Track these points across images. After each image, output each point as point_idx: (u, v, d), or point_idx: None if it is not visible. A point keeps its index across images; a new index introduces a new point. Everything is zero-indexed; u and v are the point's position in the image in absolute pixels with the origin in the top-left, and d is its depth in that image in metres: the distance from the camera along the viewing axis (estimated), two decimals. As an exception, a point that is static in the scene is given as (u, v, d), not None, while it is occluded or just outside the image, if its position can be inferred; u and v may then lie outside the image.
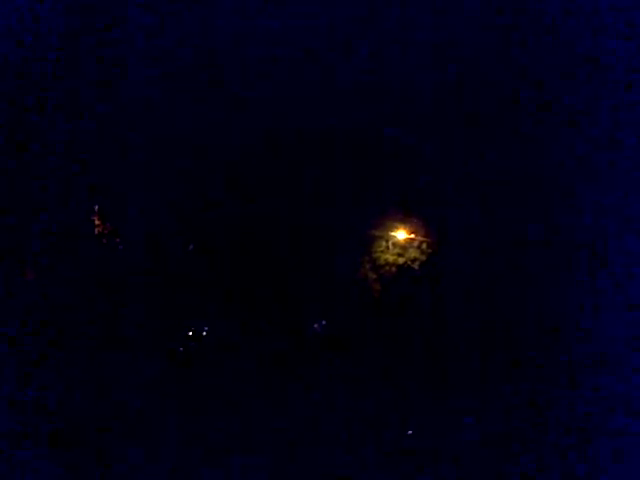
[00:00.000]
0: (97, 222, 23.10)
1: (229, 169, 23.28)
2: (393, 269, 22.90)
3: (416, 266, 22.84)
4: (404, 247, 23.01)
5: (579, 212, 22.46)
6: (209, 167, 23.19)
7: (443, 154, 22.99)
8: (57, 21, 23.22)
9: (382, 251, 23.00)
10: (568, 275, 22.31)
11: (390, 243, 23.04)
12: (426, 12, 23.27)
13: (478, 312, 22.29)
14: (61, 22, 23.21)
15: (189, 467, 20.83)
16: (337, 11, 23.38)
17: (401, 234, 23.04)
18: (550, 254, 22.41)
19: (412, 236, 22.99)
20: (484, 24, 23.18)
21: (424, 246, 22.90)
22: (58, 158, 22.84)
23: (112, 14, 23.39)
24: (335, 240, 22.95)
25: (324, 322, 22.76)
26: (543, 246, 22.45)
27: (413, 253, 22.94)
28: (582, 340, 21.69)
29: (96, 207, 23.13)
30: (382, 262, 22.95)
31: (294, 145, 23.19)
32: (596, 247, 22.28)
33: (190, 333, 22.50)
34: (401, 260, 22.91)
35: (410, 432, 21.84)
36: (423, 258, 22.85)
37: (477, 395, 21.67)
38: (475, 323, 22.24)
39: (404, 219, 23.07)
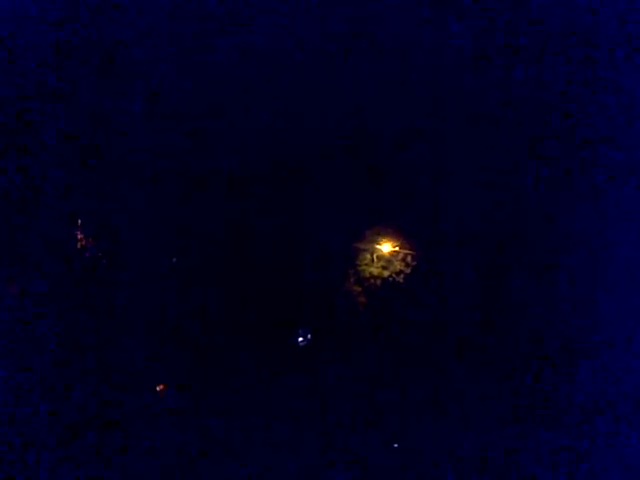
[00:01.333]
0: (80, 236, 23.00)
1: (215, 185, 23.23)
2: (378, 282, 22.92)
3: (401, 279, 22.86)
4: (389, 260, 23.03)
5: (566, 229, 22.73)
6: (195, 182, 23.16)
7: (430, 169, 23.03)
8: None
9: (367, 264, 23.01)
10: (554, 288, 22.55)
11: (375, 256, 23.04)
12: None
13: (464, 324, 22.42)
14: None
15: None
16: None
17: (386, 247, 23.04)
18: (535, 269, 22.58)
19: (397, 249, 23.00)
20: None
21: (409, 259, 22.93)
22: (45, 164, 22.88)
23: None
24: (320, 253, 22.93)
25: (309, 335, 22.79)
26: (528, 259, 22.60)
27: (398, 266, 22.96)
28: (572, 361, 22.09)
29: (79, 221, 23.03)
30: (367, 275, 22.96)
31: (280, 161, 23.14)
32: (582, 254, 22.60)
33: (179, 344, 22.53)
34: (386, 273, 22.93)
35: (396, 445, 21.99)
36: (408, 271, 22.88)
37: (464, 408, 21.89)
38: (461, 335, 22.39)
39: (389, 232, 23.07)
